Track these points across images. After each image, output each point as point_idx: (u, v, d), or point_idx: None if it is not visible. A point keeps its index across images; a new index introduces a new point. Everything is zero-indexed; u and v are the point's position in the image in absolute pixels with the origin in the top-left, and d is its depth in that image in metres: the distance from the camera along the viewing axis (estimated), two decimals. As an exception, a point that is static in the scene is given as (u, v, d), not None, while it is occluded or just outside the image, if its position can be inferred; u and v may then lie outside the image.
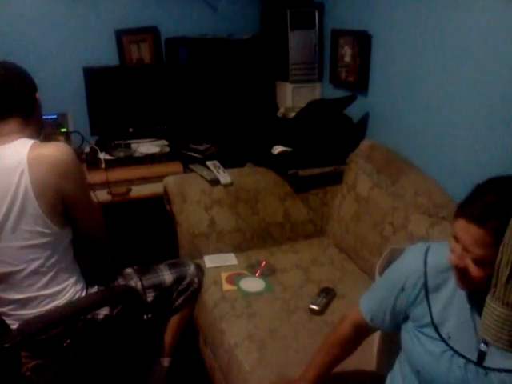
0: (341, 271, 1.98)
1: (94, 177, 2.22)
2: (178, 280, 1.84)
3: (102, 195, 2.15)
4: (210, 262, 2.02)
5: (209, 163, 2.25)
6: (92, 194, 1.64)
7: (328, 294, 1.78)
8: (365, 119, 2.32)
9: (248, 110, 2.62)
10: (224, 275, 1.92)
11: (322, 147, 2.22)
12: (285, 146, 2.22)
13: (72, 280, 1.55)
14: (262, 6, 2.73)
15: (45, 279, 1.48)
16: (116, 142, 2.50)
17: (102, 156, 2.36)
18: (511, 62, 1.52)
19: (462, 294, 1.06)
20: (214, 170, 2.19)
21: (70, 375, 1.51)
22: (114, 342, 1.62)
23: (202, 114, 2.63)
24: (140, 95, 2.56)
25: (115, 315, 1.60)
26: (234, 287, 1.85)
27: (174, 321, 1.88)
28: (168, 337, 1.88)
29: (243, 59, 2.62)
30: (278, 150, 2.22)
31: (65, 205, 1.47)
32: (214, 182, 2.13)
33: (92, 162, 2.34)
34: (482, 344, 1.02)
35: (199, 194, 2.10)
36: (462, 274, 0.99)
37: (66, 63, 2.55)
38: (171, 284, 1.82)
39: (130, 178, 2.33)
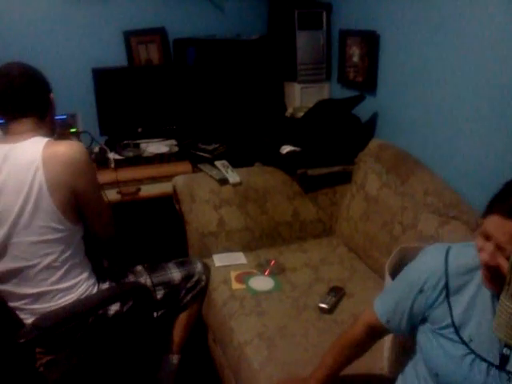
0: (350, 270, 1.98)
1: (104, 176, 2.22)
2: (187, 278, 1.86)
3: (111, 195, 2.16)
4: (219, 260, 2.03)
5: (217, 163, 2.26)
6: (102, 193, 1.66)
7: (337, 293, 1.78)
8: (373, 119, 2.32)
9: (256, 109, 2.62)
10: (233, 274, 1.93)
11: (331, 147, 2.22)
12: (293, 145, 2.22)
13: (84, 275, 1.57)
14: (270, 7, 2.74)
15: (58, 274, 1.50)
16: (125, 142, 2.51)
17: (112, 156, 2.37)
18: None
19: (484, 297, 1.03)
20: (223, 170, 2.20)
21: (80, 371, 1.53)
22: (124, 338, 1.64)
23: (211, 114, 2.63)
24: (149, 96, 2.57)
25: (125, 311, 1.62)
26: (243, 286, 1.86)
27: (182, 318, 1.90)
28: (177, 334, 1.90)
29: (251, 59, 2.62)
30: (286, 149, 2.22)
31: (77, 202, 1.49)
32: (223, 181, 2.14)
33: (101, 162, 2.34)
34: (506, 348, 0.99)
35: (208, 193, 2.11)
36: (492, 274, 0.95)
37: (75, 64, 2.57)
38: (180, 281, 1.84)
39: (139, 178, 2.34)
